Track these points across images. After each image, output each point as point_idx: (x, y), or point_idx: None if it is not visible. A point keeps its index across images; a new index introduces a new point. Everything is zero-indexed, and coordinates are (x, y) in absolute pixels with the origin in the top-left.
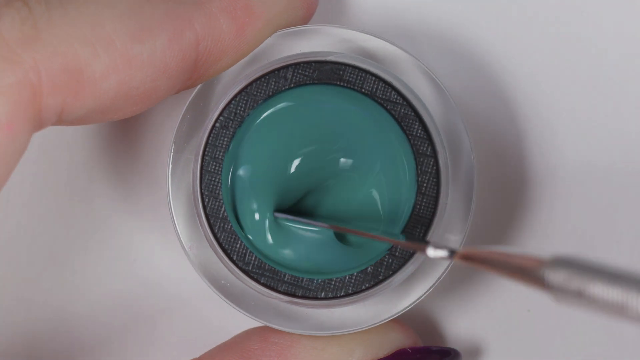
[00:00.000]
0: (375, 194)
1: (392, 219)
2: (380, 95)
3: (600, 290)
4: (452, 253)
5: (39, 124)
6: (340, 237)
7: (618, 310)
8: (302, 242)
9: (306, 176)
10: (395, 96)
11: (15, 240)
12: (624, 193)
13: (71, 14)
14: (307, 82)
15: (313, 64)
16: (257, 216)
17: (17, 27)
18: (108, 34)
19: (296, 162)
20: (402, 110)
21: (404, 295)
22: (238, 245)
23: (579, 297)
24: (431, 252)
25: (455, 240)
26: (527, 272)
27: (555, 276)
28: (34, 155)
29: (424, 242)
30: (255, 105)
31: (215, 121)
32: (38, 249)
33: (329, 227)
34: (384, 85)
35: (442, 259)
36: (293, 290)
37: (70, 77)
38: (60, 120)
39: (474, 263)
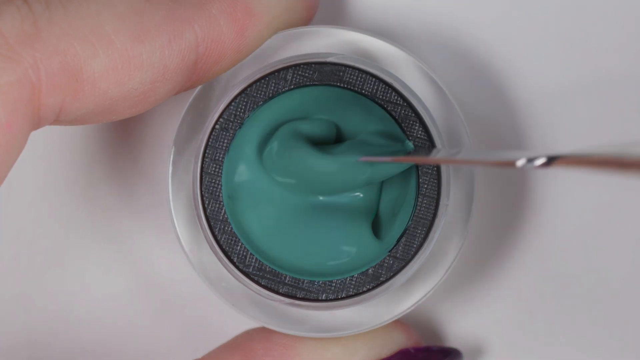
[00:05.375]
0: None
1: (393, 220)
2: (381, 97)
3: None
4: (551, 159)
5: (37, 123)
6: (375, 231)
7: None
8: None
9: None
10: (396, 97)
11: (15, 240)
12: (625, 194)
13: (71, 13)
14: (307, 83)
15: (313, 65)
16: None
17: (17, 25)
18: (108, 33)
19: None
20: (403, 112)
21: (405, 296)
22: (238, 247)
23: None
24: (521, 162)
25: (455, 243)
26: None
27: None
28: (35, 156)
29: (513, 157)
30: (255, 106)
31: (215, 123)
32: (38, 249)
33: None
34: (384, 86)
35: (537, 167)
36: (294, 292)
37: (69, 76)
38: (59, 120)
39: (578, 164)
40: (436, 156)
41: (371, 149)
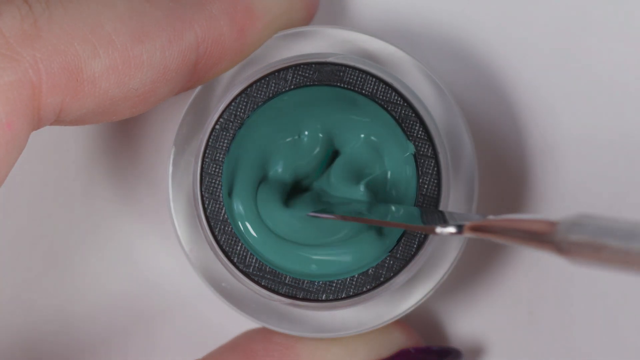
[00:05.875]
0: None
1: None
2: (381, 97)
3: (616, 245)
4: (460, 227)
5: (37, 123)
6: (378, 228)
7: (636, 264)
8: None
9: (306, 178)
10: (396, 97)
11: (15, 241)
12: (627, 199)
13: (71, 13)
14: (308, 83)
15: (313, 65)
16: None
17: (17, 25)
18: (108, 33)
19: (296, 164)
20: (403, 112)
21: (405, 297)
22: (239, 248)
23: (595, 255)
24: (439, 230)
25: (455, 243)
26: (539, 237)
27: (569, 237)
28: (35, 156)
29: (430, 224)
30: (255, 107)
31: (216, 123)
32: (38, 250)
33: (350, 219)
34: (384, 86)
35: (451, 234)
36: (294, 292)
37: (69, 76)
38: (59, 120)
39: (484, 234)
40: (385, 219)
41: (328, 201)
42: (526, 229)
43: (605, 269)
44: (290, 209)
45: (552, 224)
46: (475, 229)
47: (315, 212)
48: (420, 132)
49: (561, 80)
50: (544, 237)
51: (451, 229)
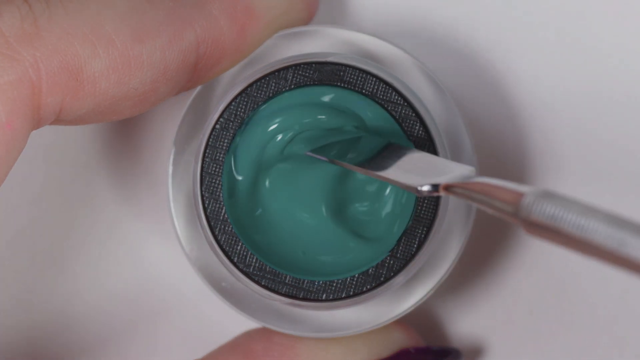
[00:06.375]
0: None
1: (394, 219)
2: (381, 96)
3: (575, 225)
4: (436, 186)
5: (37, 122)
6: (357, 233)
7: (590, 248)
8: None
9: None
10: (396, 97)
11: (15, 241)
12: (627, 199)
13: (71, 13)
14: (308, 83)
15: (313, 65)
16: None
17: (17, 24)
18: (108, 33)
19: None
20: (403, 111)
21: (405, 296)
22: (239, 247)
23: (552, 238)
24: (420, 187)
25: (455, 243)
26: (507, 208)
27: (531, 216)
28: (35, 156)
29: (416, 184)
30: (255, 106)
31: (216, 123)
32: (38, 250)
33: (347, 167)
34: (384, 86)
35: (428, 193)
36: (294, 292)
37: (69, 75)
38: (59, 119)
39: (456, 194)
40: (370, 157)
41: (320, 140)
42: (497, 197)
43: (560, 247)
44: (290, 145)
45: (520, 196)
46: (448, 188)
47: (312, 151)
48: (420, 132)
49: (561, 80)
50: (511, 209)
51: (427, 187)
